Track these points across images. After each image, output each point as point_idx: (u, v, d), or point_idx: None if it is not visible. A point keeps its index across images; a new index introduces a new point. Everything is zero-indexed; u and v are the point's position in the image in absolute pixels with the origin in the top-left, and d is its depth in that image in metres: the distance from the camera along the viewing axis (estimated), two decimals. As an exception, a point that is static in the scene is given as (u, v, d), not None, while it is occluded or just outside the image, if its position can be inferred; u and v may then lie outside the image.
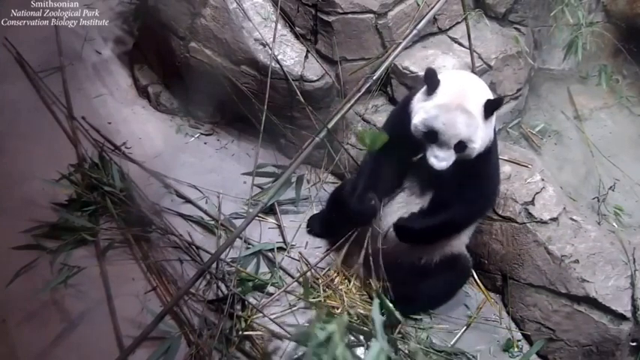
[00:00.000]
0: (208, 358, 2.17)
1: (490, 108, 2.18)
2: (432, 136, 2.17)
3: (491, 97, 2.23)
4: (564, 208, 2.54)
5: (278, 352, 2.26)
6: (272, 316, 2.32)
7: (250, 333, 2.27)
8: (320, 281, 2.52)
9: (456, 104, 2.15)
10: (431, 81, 2.21)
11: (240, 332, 2.25)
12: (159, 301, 2.39)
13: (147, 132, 3.10)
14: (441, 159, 2.18)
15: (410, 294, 2.45)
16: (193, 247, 2.56)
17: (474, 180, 2.28)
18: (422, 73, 2.33)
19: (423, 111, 2.20)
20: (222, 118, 3.17)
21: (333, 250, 2.60)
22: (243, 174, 2.86)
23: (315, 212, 2.84)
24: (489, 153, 2.29)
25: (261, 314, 2.32)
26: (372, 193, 2.30)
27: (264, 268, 2.56)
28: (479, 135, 2.17)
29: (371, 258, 2.35)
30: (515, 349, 2.49)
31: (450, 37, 2.98)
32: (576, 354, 2.45)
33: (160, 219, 2.61)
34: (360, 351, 2.34)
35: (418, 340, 2.41)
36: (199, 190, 2.81)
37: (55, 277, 2.30)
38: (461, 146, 2.17)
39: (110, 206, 2.53)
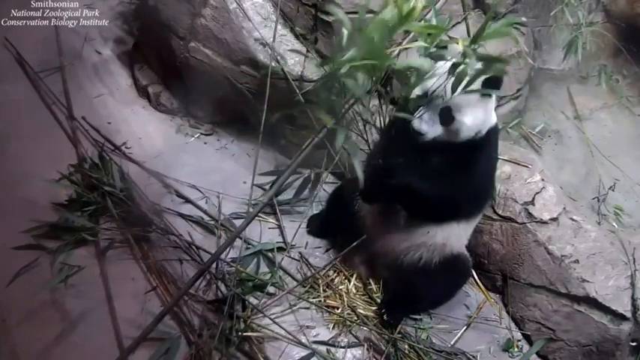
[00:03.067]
0: (208, 358, 2.17)
1: (489, 85, 2.09)
2: (423, 98, 2.13)
3: None
4: (564, 208, 2.55)
5: (278, 353, 2.27)
6: (272, 317, 2.32)
7: (250, 334, 2.27)
8: (320, 281, 2.52)
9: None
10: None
11: (240, 332, 2.25)
12: (159, 302, 2.39)
13: (147, 132, 3.09)
14: (423, 121, 2.10)
15: (410, 294, 2.45)
16: (193, 247, 2.55)
17: (457, 174, 2.20)
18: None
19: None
20: (222, 118, 3.17)
21: (339, 257, 2.59)
22: (256, 185, 2.79)
23: (315, 212, 2.84)
24: (481, 150, 2.23)
25: (261, 314, 2.32)
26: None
27: (264, 268, 2.56)
28: (470, 109, 2.11)
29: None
30: (515, 349, 2.49)
31: (450, 37, 2.98)
32: (576, 354, 2.46)
33: (160, 219, 2.61)
34: (360, 351, 2.36)
35: (418, 339, 2.41)
36: (199, 190, 2.81)
37: (55, 277, 2.30)
38: (446, 114, 2.10)
39: (110, 206, 2.53)
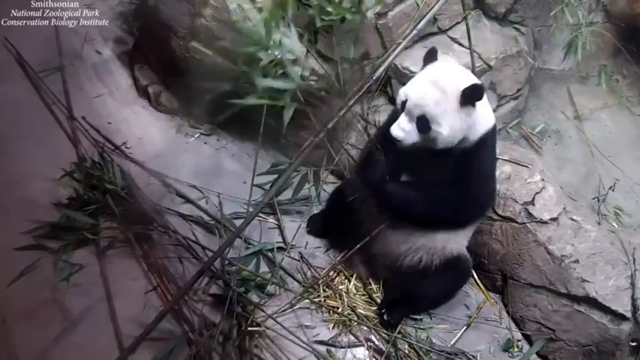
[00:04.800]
0: (208, 357, 2.17)
1: (468, 95, 2.09)
2: (403, 105, 2.16)
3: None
4: (564, 208, 2.55)
5: (278, 352, 2.27)
6: (272, 316, 2.32)
7: (252, 329, 2.27)
8: (320, 281, 2.52)
9: (433, 79, 2.13)
10: (427, 57, 2.26)
11: (241, 332, 2.25)
12: (159, 301, 2.39)
13: (147, 132, 3.10)
14: (400, 127, 2.13)
15: (410, 295, 2.45)
16: (195, 244, 2.55)
17: (457, 181, 2.23)
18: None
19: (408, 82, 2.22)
20: (222, 118, 3.17)
21: (343, 259, 2.59)
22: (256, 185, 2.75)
23: (315, 212, 2.84)
24: (475, 157, 2.23)
25: (262, 314, 2.32)
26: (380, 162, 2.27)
27: (264, 268, 2.56)
28: (447, 119, 2.09)
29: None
30: (515, 349, 2.50)
31: (450, 37, 2.98)
32: (576, 354, 2.46)
33: (160, 218, 2.61)
34: (360, 351, 2.36)
35: (418, 339, 2.41)
36: (199, 190, 2.81)
37: (57, 274, 2.30)
38: (423, 123, 2.10)
39: (112, 204, 2.53)
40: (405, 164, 2.31)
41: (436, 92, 2.10)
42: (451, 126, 2.11)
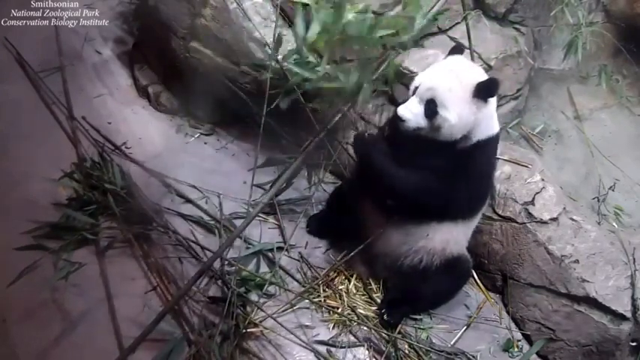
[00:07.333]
0: (208, 357, 2.17)
1: (484, 88, 2.08)
2: (415, 89, 2.16)
3: None
4: (564, 208, 2.55)
5: (278, 352, 2.27)
6: (272, 316, 2.32)
7: (252, 330, 2.27)
8: (320, 281, 2.52)
9: (451, 68, 2.14)
10: (452, 51, 2.27)
11: (241, 332, 2.25)
12: (159, 301, 2.39)
13: (147, 132, 3.10)
14: (407, 108, 2.12)
15: (410, 295, 2.46)
16: (196, 245, 2.55)
17: (449, 175, 2.20)
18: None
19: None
20: (222, 118, 3.18)
21: (344, 260, 2.57)
22: (256, 185, 2.77)
23: (315, 212, 2.84)
24: (473, 155, 2.22)
25: (262, 314, 2.32)
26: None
27: (264, 268, 2.56)
28: (456, 107, 2.08)
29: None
30: (515, 349, 2.50)
31: (450, 37, 2.99)
32: (576, 354, 2.46)
33: (160, 218, 2.61)
34: (360, 351, 2.36)
35: (418, 339, 2.41)
36: (199, 190, 2.81)
37: (56, 274, 2.30)
38: (431, 107, 2.09)
39: (112, 203, 2.53)
40: (405, 160, 2.29)
41: (451, 79, 2.10)
42: (459, 115, 2.09)
